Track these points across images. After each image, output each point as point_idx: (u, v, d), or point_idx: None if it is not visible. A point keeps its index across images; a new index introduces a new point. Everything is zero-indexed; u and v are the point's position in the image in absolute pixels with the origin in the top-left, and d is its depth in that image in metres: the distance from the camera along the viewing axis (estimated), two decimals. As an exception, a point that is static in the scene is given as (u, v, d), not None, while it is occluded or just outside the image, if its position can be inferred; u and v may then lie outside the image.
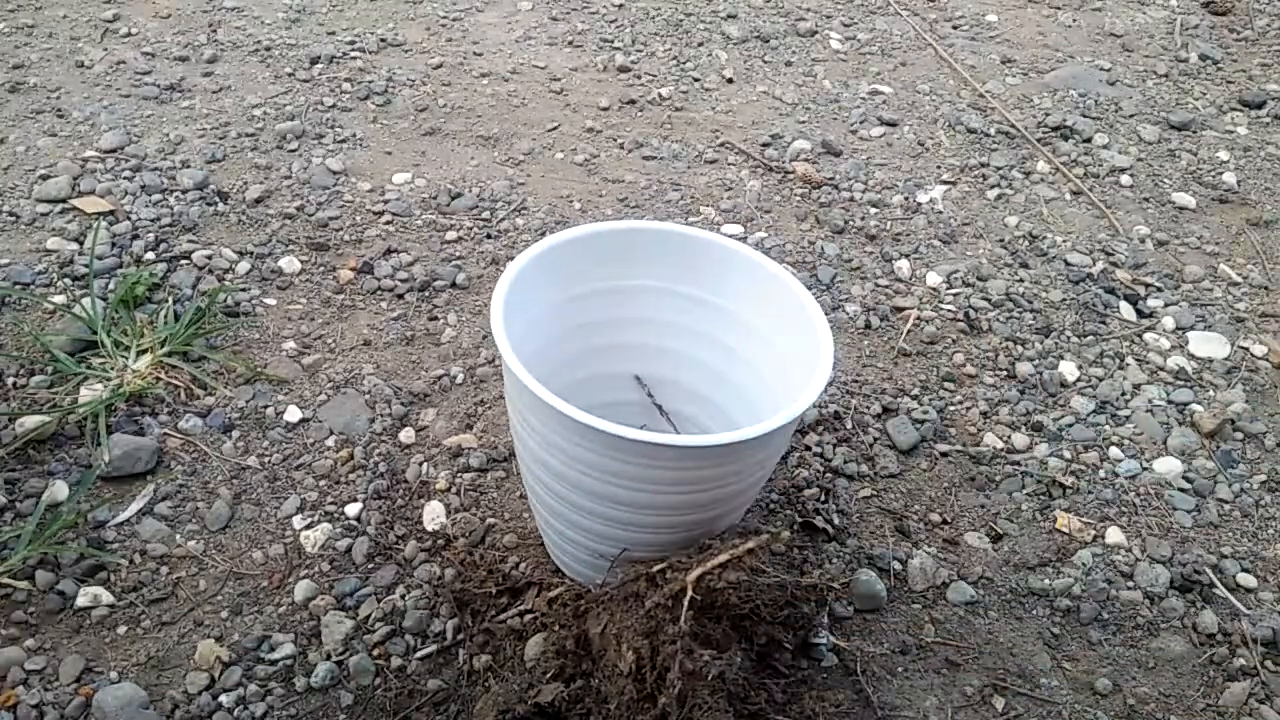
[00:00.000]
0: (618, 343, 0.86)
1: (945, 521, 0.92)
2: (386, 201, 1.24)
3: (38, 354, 0.98)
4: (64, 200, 1.18)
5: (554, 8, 1.74)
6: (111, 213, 1.17)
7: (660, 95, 1.51)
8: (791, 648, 0.75)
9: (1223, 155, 1.47)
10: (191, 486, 0.88)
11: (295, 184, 1.26)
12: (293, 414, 0.96)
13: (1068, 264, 1.24)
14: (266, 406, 0.96)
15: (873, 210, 1.30)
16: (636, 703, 0.65)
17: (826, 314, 1.01)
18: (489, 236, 1.21)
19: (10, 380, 0.96)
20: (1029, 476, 0.97)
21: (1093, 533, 0.92)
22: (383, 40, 1.59)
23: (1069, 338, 1.14)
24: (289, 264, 1.13)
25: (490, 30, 1.66)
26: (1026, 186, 1.38)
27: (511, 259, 0.76)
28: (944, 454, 0.98)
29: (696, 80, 1.56)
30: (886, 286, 1.18)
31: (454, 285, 1.13)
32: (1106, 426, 1.03)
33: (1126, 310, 1.18)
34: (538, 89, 1.51)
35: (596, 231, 0.81)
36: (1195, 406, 1.06)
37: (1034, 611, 0.85)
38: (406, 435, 0.95)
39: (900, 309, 1.15)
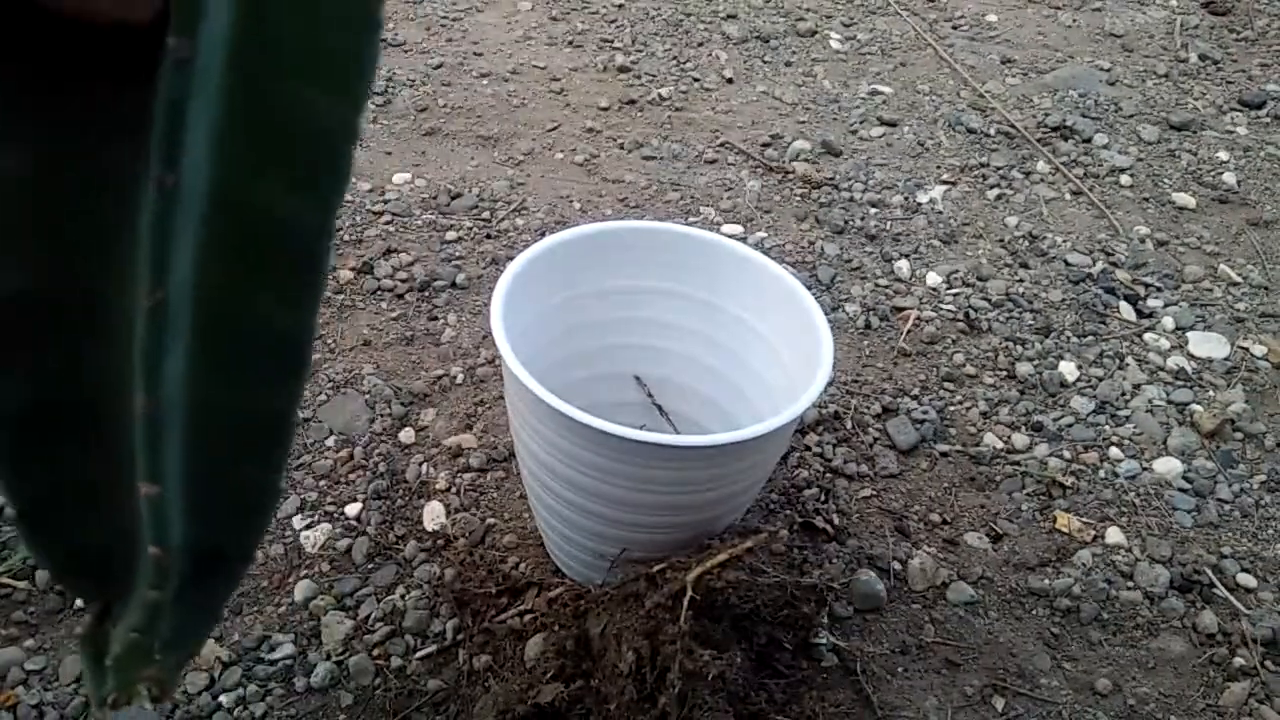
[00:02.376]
0: (618, 343, 0.86)
1: (945, 521, 0.92)
2: (386, 201, 1.24)
3: (38, 354, 0.98)
4: (64, 200, 1.18)
5: (554, 8, 1.74)
6: (111, 213, 1.17)
7: (660, 95, 1.51)
8: (791, 648, 0.75)
9: (1223, 155, 1.47)
10: (191, 486, 0.88)
11: (295, 184, 1.26)
12: (293, 414, 0.96)
13: (1068, 264, 1.24)
14: (266, 406, 0.96)
15: (873, 210, 1.30)
16: (636, 703, 0.65)
17: (826, 314, 1.01)
18: (489, 236, 1.21)
19: (10, 380, 0.96)
20: (1029, 476, 0.97)
21: (1093, 533, 0.92)
22: (382, 40, 1.59)
23: (1069, 338, 1.14)
24: (289, 264, 1.13)
25: (490, 30, 1.66)
26: (1026, 186, 1.38)
27: (511, 259, 0.76)
28: (944, 454, 0.98)
29: (696, 80, 1.56)
30: (886, 286, 1.18)
31: (454, 285, 1.13)
32: (1106, 426, 1.03)
33: (1126, 310, 1.18)
34: (538, 89, 1.51)
35: (596, 231, 0.81)
36: (1195, 406, 1.06)
37: (1034, 611, 0.85)
38: (406, 435, 0.95)
39: (900, 309, 1.15)
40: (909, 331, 1.12)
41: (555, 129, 1.42)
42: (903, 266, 1.21)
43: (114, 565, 0.30)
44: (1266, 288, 1.24)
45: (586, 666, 0.69)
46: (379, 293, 1.11)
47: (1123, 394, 1.07)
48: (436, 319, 1.09)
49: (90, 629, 0.31)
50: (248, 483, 0.29)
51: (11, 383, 0.26)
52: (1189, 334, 1.15)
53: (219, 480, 0.28)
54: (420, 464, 0.92)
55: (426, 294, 1.12)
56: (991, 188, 1.37)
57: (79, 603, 0.78)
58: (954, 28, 1.77)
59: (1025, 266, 1.24)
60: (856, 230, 1.27)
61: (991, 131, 1.48)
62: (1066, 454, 0.99)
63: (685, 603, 0.66)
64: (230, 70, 0.22)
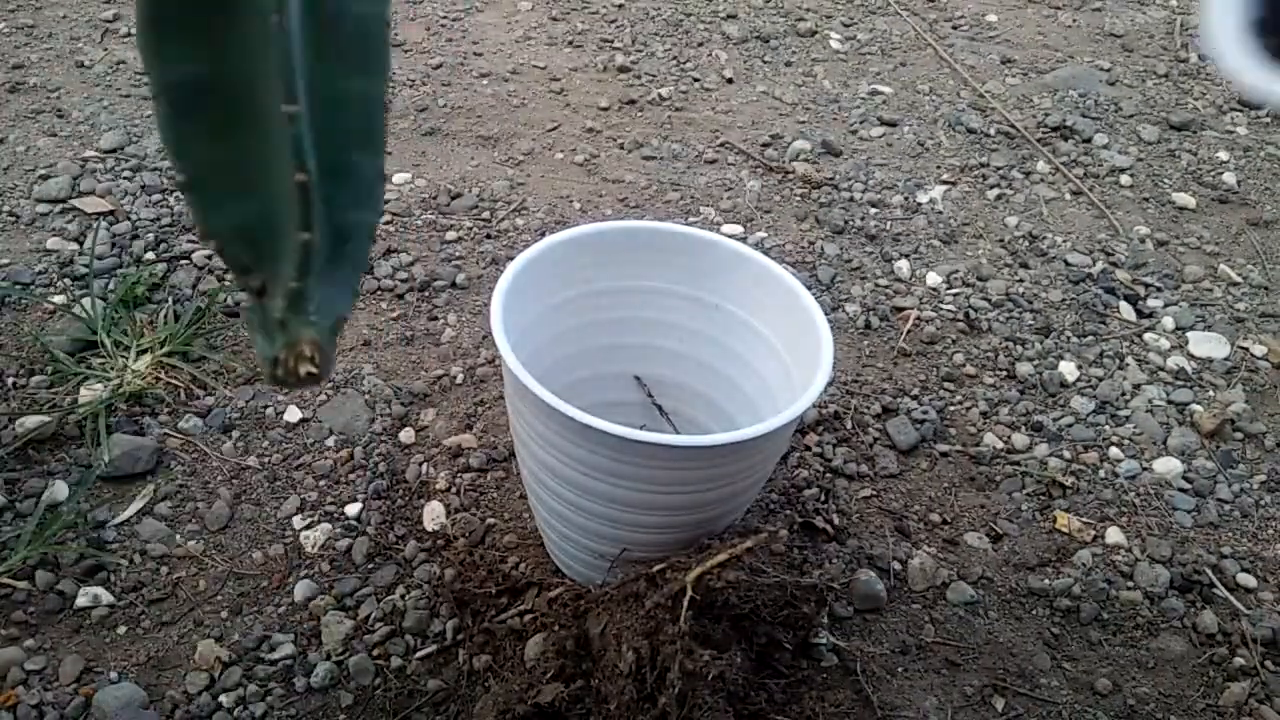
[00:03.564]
0: (617, 343, 0.86)
1: (945, 521, 0.92)
2: (386, 201, 1.24)
3: (38, 354, 0.98)
4: (64, 200, 1.18)
5: (554, 8, 1.74)
6: (111, 213, 1.17)
7: (660, 95, 1.51)
8: (791, 648, 0.75)
9: (1223, 155, 1.47)
10: (191, 486, 0.88)
11: (295, 184, 1.26)
12: (293, 414, 0.96)
13: (1068, 264, 1.24)
14: (266, 406, 0.96)
15: (873, 210, 1.30)
16: (636, 703, 0.65)
17: (826, 314, 1.01)
18: (489, 236, 1.21)
19: (10, 380, 0.96)
20: (1029, 476, 0.97)
21: (1093, 533, 0.92)
22: (383, 40, 1.59)
23: (1069, 338, 1.14)
24: (289, 264, 1.13)
25: (490, 30, 1.66)
26: (1026, 186, 1.38)
27: (511, 259, 0.76)
28: (944, 454, 0.98)
29: (696, 80, 1.56)
30: (886, 286, 1.18)
31: (454, 285, 1.13)
32: (1106, 426, 1.03)
33: (1126, 310, 1.18)
34: (538, 89, 1.51)
35: (596, 231, 0.81)
36: (1195, 406, 1.06)
37: (1034, 611, 0.85)
38: (406, 435, 0.95)
39: (900, 309, 1.15)
40: (909, 331, 1.12)
41: (555, 129, 1.42)
42: (903, 266, 1.21)
43: (267, 244, 0.36)
44: (1266, 288, 1.24)
45: (586, 666, 0.69)
46: (379, 293, 1.11)
47: (1123, 394, 1.07)
48: (436, 319, 1.09)
49: (253, 304, 0.38)
50: (362, 167, 0.37)
51: (181, 57, 0.32)
52: (1189, 334, 1.15)
53: (341, 168, 0.35)
54: (420, 464, 0.92)
55: (426, 294, 1.12)
56: (991, 188, 1.37)
57: (80, 601, 0.78)
58: (954, 28, 1.77)
59: (1025, 266, 1.24)
60: (856, 230, 1.27)
61: (991, 131, 1.48)
62: (1066, 454, 0.99)
63: (685, 603, 0.66)
64: None
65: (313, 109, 0.32)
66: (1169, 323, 1.17)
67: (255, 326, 0.38)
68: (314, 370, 0.36)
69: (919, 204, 1.32)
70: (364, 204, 0.38)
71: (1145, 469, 0.99)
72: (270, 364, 0.37)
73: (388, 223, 1.21)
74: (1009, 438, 1.00)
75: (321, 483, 0.90)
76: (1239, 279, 1.25)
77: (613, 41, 1.65)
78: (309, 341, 0.36)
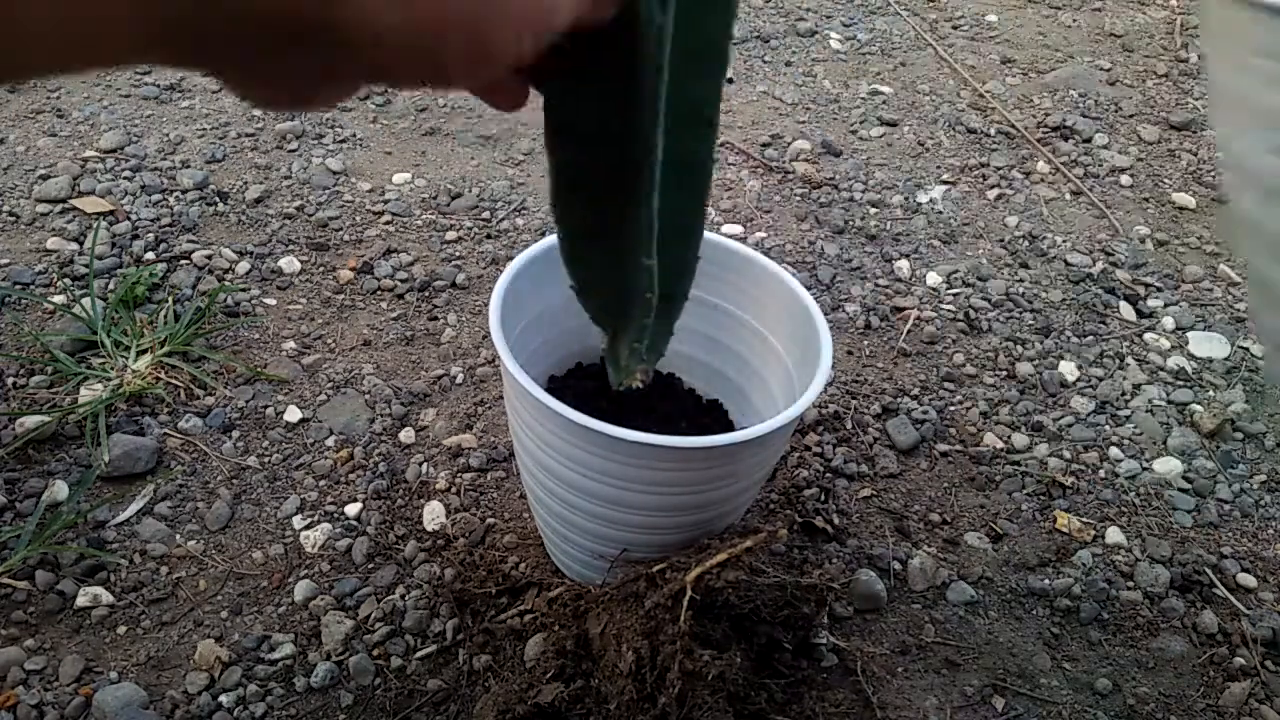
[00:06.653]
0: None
1: (945, 521, 0.92)
2: (386, 201, 1.24)
3: (38, 354, 0.98)
4: (64, 200, 1.18)
5: (554, 8, 1.74)
6: (111, 213, 1.17)
7: (660, 95, 1.51)
8: (791, 648, 0.75)
9: (1223, 155, 1.47)
10: (191, 486, 0.88)
11: (295, 184, 1.26)
12: (293, 414, 0.96)
13: (1068, 264, 1.24)
14: (266, 406, 0.96)
15: (873, 210, 1.30)
16: (636, 703, 0.65)
17: (826, 314, 1.01)
18: (489, 236, 1.21)
19: (10, 380, 0.96)
20: (1029, 476, 0.97)
21: (1093, 533, 0.92)
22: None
23: (1069, 338, 1.14)
24: (289, 264, 1.13)
25: (490, 30, 1.66)
26: (1026, 186, 1.38)
27: (511, 259, 0.76)
28: (944, 454, 0.98)
29: (696, 80, 1.56)
30: (886, 286, 1.18)
31: (454, 285, 1.13)
32: (1106, 426, 1.03)
33: (1126, 310, 1.18)
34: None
35: (596, 231, 0.80)
36: (1195, 406, 1.06)
37: (1034, 611, 0.85)
38: (406, 435, 0.95)
39: (900, 309, 1.15)
40: (909, 331, 1.12)
41: (555, 129, 1.42)
42: (903, 266, 1.21)
43: (619, 304, 0.54)
44: (1266, 288, 1.24)
45: (586, 666, 0.69)
46: (379, 293, 1.11)
47: (1123, 394, 1.07)
48: (436, 319, 1.09)
49: (610, 344, 0.60)
50: (685, 257, 0.56)
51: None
52: (1189, 334, 1.15)
53: (672, 256, 0.51)
54: (420, 464, 0.92)
55: (426, 294, 1.12)
56: (991, 188, 1.37)
57: (80, 601, 0.78)
58: (954, 28, 1.77)
59: (1025, 266, 1.24)
60: (856, 230, 1.27)
61: (991, 131, 1.48)
62: (1066, 454, 0.99)
63: (685, 603, 0.66)
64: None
65: (662, 220, 0.45)
66: (1169, 323, 1.17)
67: (609, 360, 0.62)
68: (641, 384, 0.61)
69: (919, 204, 1.32)
70: (684, 277, 0.57)
71: (1145, 469, 0.99)
72: (615, 384, 0.62)
73: (388, 223, 1.21)
74: (1009, 438, 1.00)
75: (321, 483, 0.90)
76: (1239, 279, 1.25)
77: (613, 41, 1.65)
78: (640, 370, 0.60)
